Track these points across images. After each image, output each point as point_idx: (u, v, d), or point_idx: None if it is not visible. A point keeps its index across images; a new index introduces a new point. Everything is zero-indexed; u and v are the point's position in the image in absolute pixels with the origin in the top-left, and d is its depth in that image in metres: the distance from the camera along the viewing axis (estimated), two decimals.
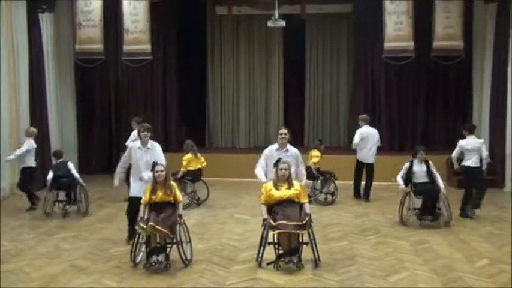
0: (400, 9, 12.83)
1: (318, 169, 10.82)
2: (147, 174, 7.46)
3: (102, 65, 13.80)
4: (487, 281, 6.29)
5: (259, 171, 7.61)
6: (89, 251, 7.66)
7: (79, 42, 13.30)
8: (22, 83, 12.11)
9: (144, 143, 7.71)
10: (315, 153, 10.91)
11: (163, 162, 7.44)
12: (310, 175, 10.21)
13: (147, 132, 7.68)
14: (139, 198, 7.15)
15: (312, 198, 10.50)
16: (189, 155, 10.69)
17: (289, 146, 7.68)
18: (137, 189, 7.61)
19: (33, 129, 10.74)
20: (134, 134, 10.10)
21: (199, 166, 10.81)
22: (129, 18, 13.34)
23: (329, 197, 10.95)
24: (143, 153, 7.68)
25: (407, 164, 9.14)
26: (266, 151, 7.77)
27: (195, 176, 10.77)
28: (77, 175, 10.14)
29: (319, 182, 10.91)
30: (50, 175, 9.89)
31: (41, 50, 12.66)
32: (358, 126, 11.16)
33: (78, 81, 14.58)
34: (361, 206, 10.63)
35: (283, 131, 7.70)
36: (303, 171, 7.84)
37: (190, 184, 10.74)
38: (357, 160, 11.13)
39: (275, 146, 7.74)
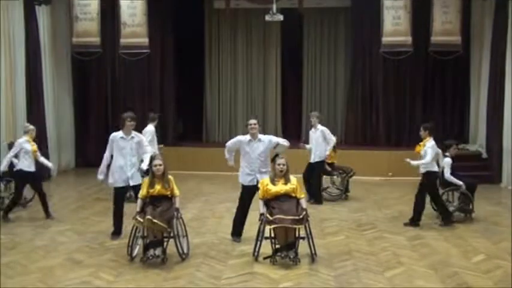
0: (398, 4, 12.79)
1: (331, 164, 10.63)
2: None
3: (99, 58, 13.76)
4: (483, 277, 6.30)
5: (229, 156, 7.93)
6: (86, 244, 7.65)
7: (76, 35, 13.25)
8: (19, 76, 12.07)
9: (127, 132, 7.79)
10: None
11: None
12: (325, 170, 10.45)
13: (134, 122, 7.83)
14: (123, 188, 7.84)
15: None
16: None
17: (260, 135, 7.66)
18: (121, 180, 7.83)
19: None
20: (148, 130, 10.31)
21: None
22: (126, 11, 13.29)
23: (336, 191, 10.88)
24: (127, 142, 7.78)
25: (450, 160, 8.76)
26: (241, 138, 7.77)
27: None
28: None
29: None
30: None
31: (37, 42, 12.59)
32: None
33: (75, 74, 14.54)
34: (358, 201, 10.63)
35: (253, 121, 7.61)
36: (280, 139, 7.86)
37: None
38: None
39: (247, 137, 7.66)
